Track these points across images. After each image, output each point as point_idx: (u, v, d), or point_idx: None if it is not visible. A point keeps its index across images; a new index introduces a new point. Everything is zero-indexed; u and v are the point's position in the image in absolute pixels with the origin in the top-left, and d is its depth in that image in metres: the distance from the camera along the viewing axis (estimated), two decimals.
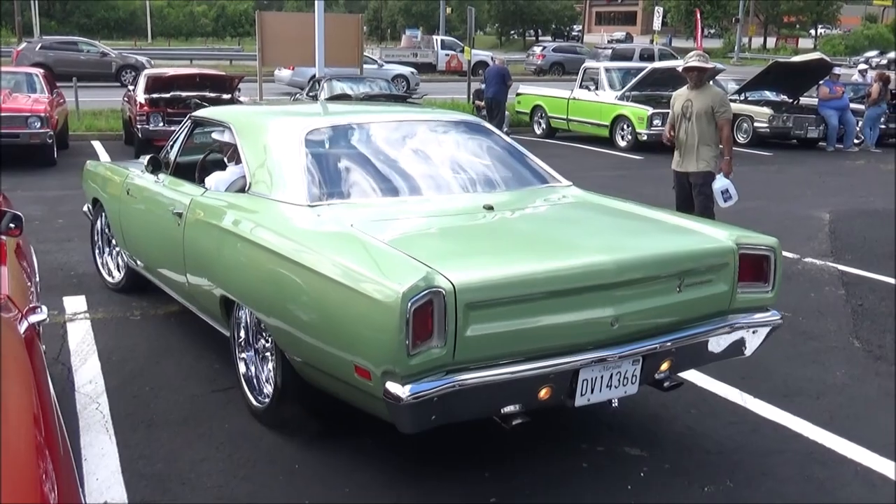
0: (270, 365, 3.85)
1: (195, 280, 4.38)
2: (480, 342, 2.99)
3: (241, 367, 4.12)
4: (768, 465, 3.73)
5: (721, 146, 6.99)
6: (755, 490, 3.55)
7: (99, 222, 6.23)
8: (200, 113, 5.28)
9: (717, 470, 3.69)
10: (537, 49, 44.19)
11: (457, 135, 4.77)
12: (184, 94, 13.23)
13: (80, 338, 5.12)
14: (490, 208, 3.93)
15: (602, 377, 3.25)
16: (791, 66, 16.30)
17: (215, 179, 4.61)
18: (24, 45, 31.15)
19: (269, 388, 3.91)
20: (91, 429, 3.93)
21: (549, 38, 75.35)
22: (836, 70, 16.37)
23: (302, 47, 16.99)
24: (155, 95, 13.06)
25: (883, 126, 16.70)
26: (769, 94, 17.02)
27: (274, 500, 3.39)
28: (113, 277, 6.15)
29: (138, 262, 5.41)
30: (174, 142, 5.28)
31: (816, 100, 16.39)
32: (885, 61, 41.34)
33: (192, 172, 5.01)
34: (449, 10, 52.65)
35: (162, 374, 4.64)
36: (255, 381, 4.05)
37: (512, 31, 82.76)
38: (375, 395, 2.96)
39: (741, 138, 16.02)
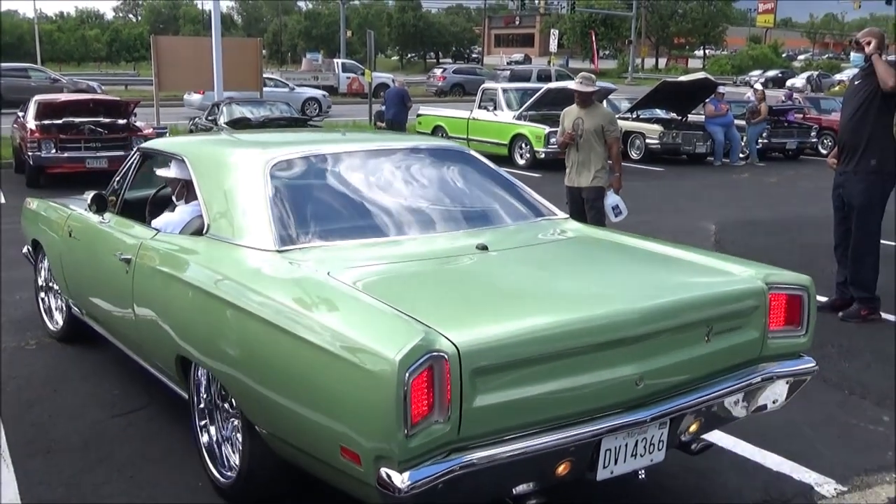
0: (236, 434, 3.36)
1: (147, 335, 3.88)
2: (489, 414, 2.51)
3: (203, 436, 3.62)
4: None
5: (611, 162, 7.34)
6: None
7: (41, 265, 5.74)
8: (149, 144, 4.79)
9: None
10: (438, 71, 44.79)
11: (440, 164, 4.22)
12: (77, 119, 12.95)
13: None
14: (484, 248, 3.45)
15: (626, 445, 2.79)
16: (678, 85, 16.95)
17: (165, 220, 4.17)
18: None
19: (234, 459, 3.40)
20: None
21: (449, 59, 76.29)
22: (721, 89, 17.21)
23: (200, 71, 16.87)
24: (46, 122, 12.74)
25: (765, 141, 17.66)
26: (659, 112, 17.74)
27: None
28: (55, 325, 5.60)
29: (83, 311, 4.95)
30: (120, 177, 4.79)
31: (703, 117, 17.18)
32: (762, 80, 43.37)
33: (142, 211, 4.60)
34: (349, 33, 52.88)
35: (61, 401, 4.58)
36: (217, 451, 3.55)
37: (412, 54, 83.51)
38: (366, 482, 2.50)
39: (634, 154, 16.65)
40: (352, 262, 3.23)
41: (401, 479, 2.37)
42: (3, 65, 32.70)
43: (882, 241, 6.21)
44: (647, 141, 16.70)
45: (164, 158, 4.38)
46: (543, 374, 2.62)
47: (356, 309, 2.78)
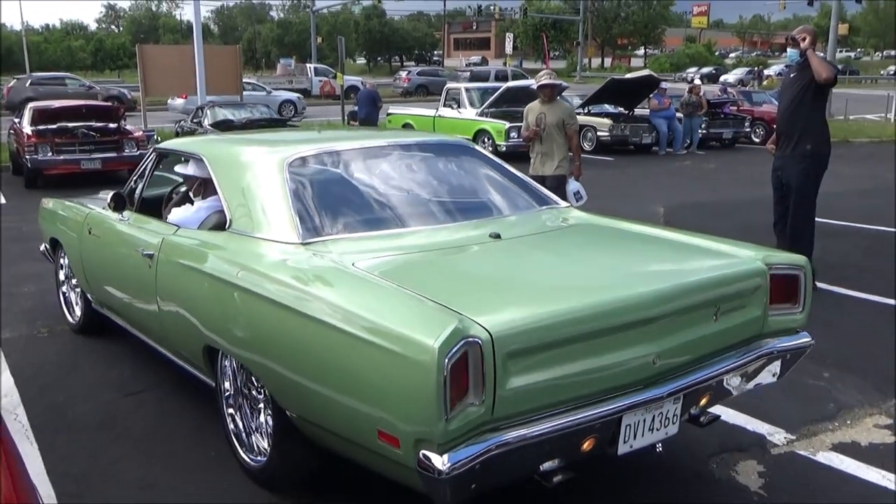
0: (263, 418, 3.26)
1: (172, 326, 3.74)
2: (521, 394, 2.44)
3: (229, 422, 3.51)
4: None
5: (571, 153, 7.42)
6: None
7: (61, 262, 5.57)
8: (166, 145, 4.56)
9: None
10: (403, 73, 44.54)
11: (446, 157, 4.13)
12: (70, 124, 12.76)
13: None
14: (497, 236, 3.36)
15: (644, 420, 2.74)
16: (625, 82, 17.05)
17: (182, 216, 4.05)
18: (13, 81, 30.24)
19: (263, 444, 3.31)
20: (13, 437, 3.83)
21: (412, 63, 75.96)
22: (663, 85, 17.37)
23: (183, 77, 16.68)
24: (42, 127, 12.53)
25: (704, 132, 17.88)
26: (608, 108, 17.83)
27: (194, 488, 3.40)
28: (74, 318, 5.44)
29: (103, 304, 4.83)
30: (137, 176, 4.63)
31: (648, 111, 17.32)
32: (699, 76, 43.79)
33: (158, 209, 4.48)
34: (320, 39, 52.38)
35: (74, 384, 4.54)
36: (244, 436, 3.43)
37: (379, 58, 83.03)
38: (405, 465, 2.41)
39: (587, 146, 16.74)
40: (373, 253, 3.11)
41: (441, 462, 2.28)
42: (41, 74, 33.64)
43: (848, 224, 6.30)
44: (599, 133, 16.81)
45: (181, 158, 4.25)
46: (569, 355, 2.55)
47: (386, 298, 2.66)
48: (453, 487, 2.31)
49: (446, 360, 2.24)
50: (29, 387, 4.47)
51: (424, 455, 2.31)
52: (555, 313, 2.55)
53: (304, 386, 2.78)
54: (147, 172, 4.54)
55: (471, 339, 2.31)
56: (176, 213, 4.15)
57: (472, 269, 3.14)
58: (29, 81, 29.40)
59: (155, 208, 4.51)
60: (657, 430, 2.79)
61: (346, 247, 3.14)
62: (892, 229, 8.68)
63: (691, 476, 3.49)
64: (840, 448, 3.70)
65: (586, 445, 2.62)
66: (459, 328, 2.30)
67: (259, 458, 3.32)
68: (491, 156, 4.26)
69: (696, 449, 3.67)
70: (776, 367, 3.24)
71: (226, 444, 3.62)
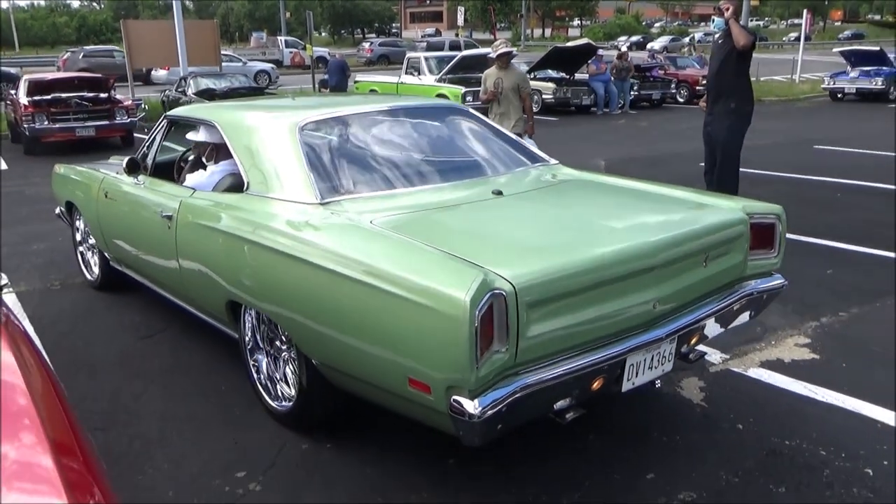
0: (289, 367, 3.15)
1: (193, 283, 3.57)
2: (540, 340, 2.38)
3: (254, 372, 3.37)
4: None
5: (525, 114, 7.38)
6: None
7: (77, 223, 5.30)
8: (176, 112, 4.25)
9: None
10: (366, 44, 43.55)
11: (444, 120, 3.95)
12: (64, 95, 12.30)
13: (10, 307, 4.81)
14: (499, 193, 3.23)
15: (645, 360, 2.69)
16: (566, 50, 16.95)
17: (197, 179, 3.88)
18: (68, 53, 30.22)
19: (287, 390, 3.19)
20: None
21: (373, 35, 74.37)
22: (600, 52, 17.32)
23: (165, 50, 16.10)
24: (37, 98, 12.06)
25: (636, 93, 17.94)
26: (552, 73, 17.74)
27: (211, 416, 3.39)
28: (93, 275, 5.21)
29: (121, 263, 4.62)
30: (150, 142, 4.38)
31: (587, 75, 17.26)
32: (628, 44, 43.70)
33: (171, 173, 4.29)
34: (288, 14, 50.91)
35: (91, 330, 4.46)
36: (269, 384, 3.32)
37: (342, 31, 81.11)
38: (436, 409, 2.33)
39: (534, 108, 16.66)
40: (386, 211, 2.94)
41: (473, 406, 2.22)
42: (92, 48, 33.70)
43: (765, 172, 6.36)
44: (544, 97, 16.69)
45: (192, 124, 4.05)
46: (581, 303, 2.49)
47: (410, 253, 2.52)
48: (483, 429, 2.26)
49: (476, 312, 2.16)
50: (48, 334, 4.37)
51: (456, 400, 2.24)
52: (569, 264, 2.48)
53: (331, 337, 2.66)
54: (158, 139, 4.32)
55: (496, 292, 2.23)
56: (190, 178, 3.97)
57: (482, 225, 2.95)
58: (82, 54, 29.50)
59: (167, 173, 4.31)
60: (655, 368, 2.76)
61: (361, 206, 2.98)
62: (803, 176, 8.89)
63: (642, 393, 3.57)
64: (767, 365, 3.81)
65: (596, 385, 2.57)
66: (486, 281, 2.22)
67: (285, 403, 3.21)
68: (482, 117, 4.09)
69: None
70: (759, 305, 3.21)
71: (235, 377, 3.61)
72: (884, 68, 19.50)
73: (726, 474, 2.87)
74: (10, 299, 4.98)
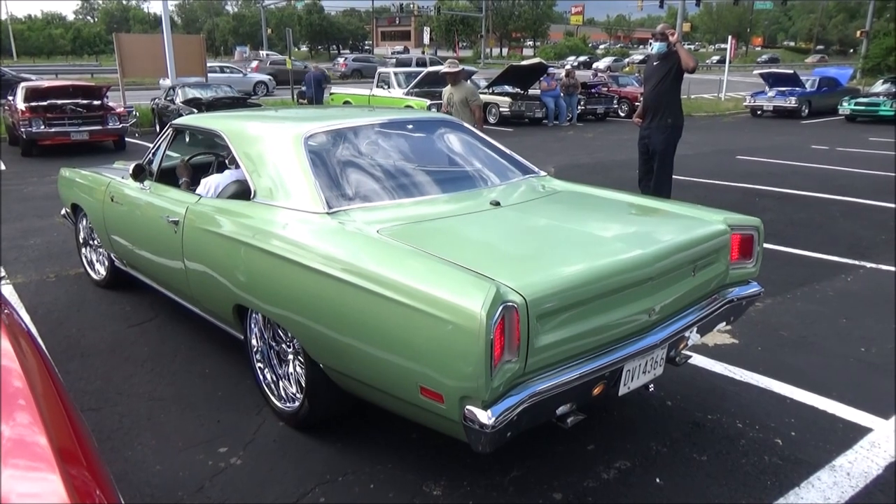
0: (293, 368, 2.97)
1: (199, 286, 3.36)
2: (547, 350, 2.25)
3: (259, 373, 3.19)
4: None
5: (475, 125, 7.42)
6: None
7: (81, 225, 5.05)
8: (182, 121, 3.99)
9: None
10: (341, 59, 43.21)
11: (440, 133, 3.77)
12: (59, 101, 11.97)
13: (7, 297, 4.67)
14: (497, 204, 3.05)
15: (640, 365, 2.56)
16: (520, 68, 17.04)
17: (201, 186, 3.67)
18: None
19: (293, 390, 3.02)
20: None
21: (347, 51, 73.83)
22: (551, 70, 17.46)
23: (155, 62, 15.74)
24: (34, 103, 11.71)
25: (582, 107, 18.13)
26: (508, 88, 17.82)
27: (195, 396, 3.35)
28: (98, 274, 4.96)
29: (126, 264, 4.37)
30: (156, 149, 4.12)
31: (539, 91, 17.38)
32: (575, 63, 44.16)
33: (174, 179, 4.06)
34: (269, 30, 50.23)
35: (84, 318, 4.35)
36: (274, 385, 3.14)
37: (319, 46, 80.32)
38: (448, 418, 2.18)
39: (491, 119, 16.74)
40: (392, 220, 2.75)
41: (486, 416, 2.07)
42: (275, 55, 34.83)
43: (693, 178, 6.47)
44: (501, 109, 16.78)
45: (197, 133, 3.84)
46: (587, 312, 2.37)
47: (420, 263, 2.33)
48: (495, 438, 2.11)
49: (492, 325, 2.02)
50: (44, 322, 4.27)
51: (469, 410, 2.10)
52: (576, 276, 2.35)
53: (341, 343, 2.47)
54: (164, 146, 4.07)
55: (509, 304, 2.09)
56: (202, 182, 3.74)
57: (484, 235, 2.76)
58: (269, 62, 31.14)
59: (172, 179, 4.10)
60: (648, 372, 2.65)
61: (366, 215, 2.79)
62: (727, 182, 9.09)
63: None
64: (693, 349, 3.89)
65: (597, 390, 2.45)
66: (499, 294, 2.07)
67: (290, 404, 3.04)
68: (476, 131, 3.91)
69: None
70: (738, 312, 3.10)
71: (218, 361, 3.56)
72: (797, 89, 20.06)
73: (656, 444, 2.93)
74: (8, 290, 4.85)
